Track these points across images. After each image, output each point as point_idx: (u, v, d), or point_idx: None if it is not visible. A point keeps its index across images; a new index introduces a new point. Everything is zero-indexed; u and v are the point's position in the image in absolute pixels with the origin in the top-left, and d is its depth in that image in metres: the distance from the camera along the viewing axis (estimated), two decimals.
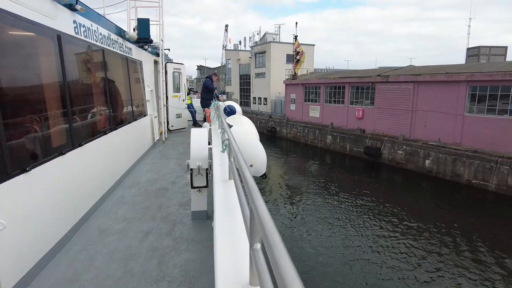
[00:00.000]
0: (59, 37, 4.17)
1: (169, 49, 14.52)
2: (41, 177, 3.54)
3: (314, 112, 30.74)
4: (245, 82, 49.24)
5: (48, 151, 3.82)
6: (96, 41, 5.70)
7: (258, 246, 1.39)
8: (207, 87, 11.31)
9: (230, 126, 4.81)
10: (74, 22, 4.77)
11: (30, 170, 3.31)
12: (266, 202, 1.36)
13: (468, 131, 18.30)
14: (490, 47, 68.67)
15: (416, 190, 17.82)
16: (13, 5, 3.25)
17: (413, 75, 21.32)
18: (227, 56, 56.77)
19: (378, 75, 23.86)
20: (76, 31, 4.82)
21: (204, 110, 11.27)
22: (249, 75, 46.98)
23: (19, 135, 3.35)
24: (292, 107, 34.08)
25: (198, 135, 4.62)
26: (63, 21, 4.37)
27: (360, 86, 25.67)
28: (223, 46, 74.34)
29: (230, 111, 9.10)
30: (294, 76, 34.97)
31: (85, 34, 5.16)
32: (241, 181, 2.22)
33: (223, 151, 3.94)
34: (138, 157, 8.07)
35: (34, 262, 3.33)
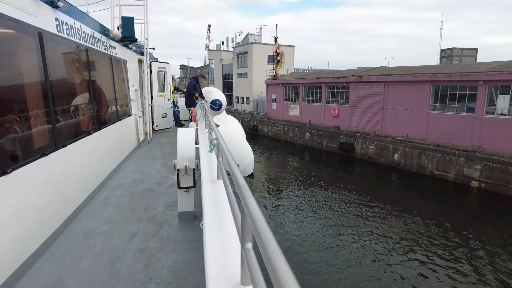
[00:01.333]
0: (40, 35, 4.04)
1: (153, 48, 14.22)
2: (22, 179, 3.46)
3: (294, 110, 32.07)
4: (228, 82, 50.23)
5: (29, 152, 3.71)
6: (80, 40, 5.58)
7: (249, 245, 1.40)
8: (190, 93, 11.29)
9: (217, 126, 4.76)
10: (56, 19, 4.64)
11: (11, 172, 3.23)
12: None
13: (432, 127, 19.92)
14: (462, 49, 71.56)
15: (386, 182, 19.31)
16: None
17: (383, 75, 22.86)
18: (209, 56, 57.63)
19: (352, 76, 25.34)
20: (59, 29, 4.70)
21: (190, 110, 11.25)
22: (232, 75, 48.03)
23: None
24: (273, 106, 35.31)
25: (185, 135, 4.57)
26: (44, 19, 4.24)
27: (335, 86, 27.14)
28: (206, 46, 75.07)
29: (217, 108, 9.29)
30: (275, 76, 36.22)
31: (67, 32, 5.03)
32: (231, 181, 2.19)
33: (210, 150, 3.94)
34: (123, 158, 8.00)
35: (16, 266, 3.23)
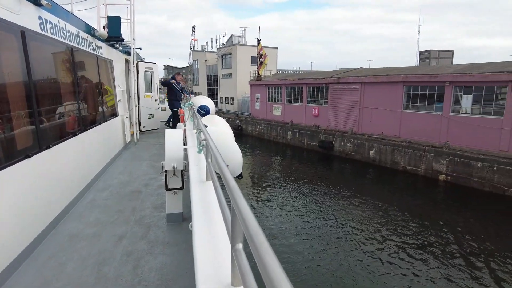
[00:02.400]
0: (23, 34, 3.93)
1: (140, 48, 14.20)
2: (5, 181, 3.38)
3: (277, 110, 33.05)
4: (212, 82, 50.85)
5: (12, 154, 3.62)
6: (64, 39, 5.46)
7: (240, 246, 1.39)
8: (165, 84, 12.06)
9: (205, 127, 4.66)
10: (40, 18, 4.51)
11: None
12: None
13: (405, 125, 21.18)
14: (439, 51, 74.48)
15: (363, 177, 20.43)
16: None
17: (360, 77, 24.05)
18: (194, 57, 58.03)
19: (331, 77, 26.47)
20: (42, 27, 4.57)
21: (177, 110, 11.34)
22: (216, 76, 48.66)
23: None
24: (257, 106, 36.20)
25: (173, 136, 4.52)
26: (27, 17, 4.12)
27: (316, 87, 28.25)
28: (190, 46, 75.39)
29: (204, 113, 9.69)
30: (258, 77, 37.12)
31: (51, 31, 4.90)
32: (220, 182, 2.18)
33: (199, 151, 3.92)
34: (109, 159, 7.93)
35: None
